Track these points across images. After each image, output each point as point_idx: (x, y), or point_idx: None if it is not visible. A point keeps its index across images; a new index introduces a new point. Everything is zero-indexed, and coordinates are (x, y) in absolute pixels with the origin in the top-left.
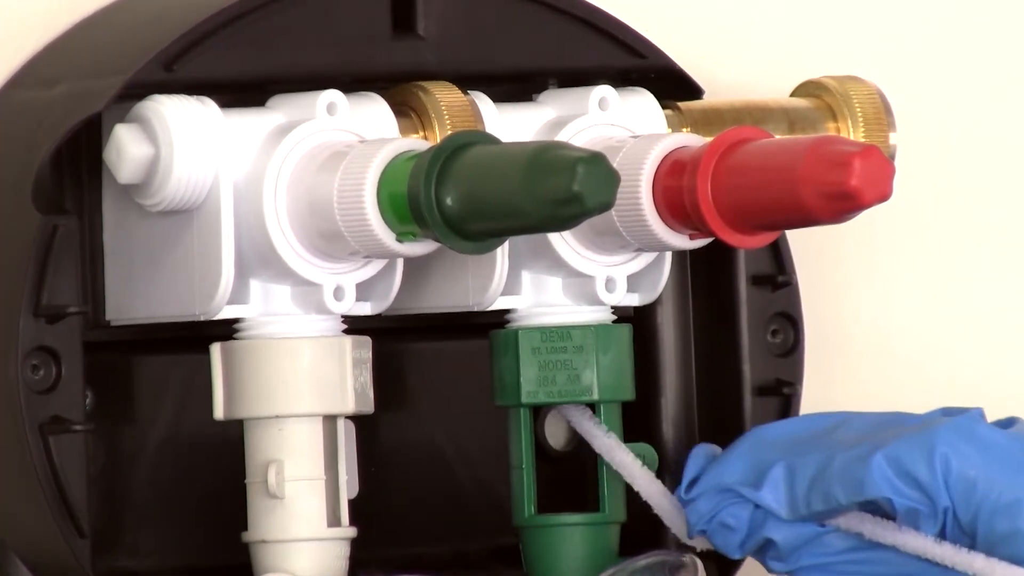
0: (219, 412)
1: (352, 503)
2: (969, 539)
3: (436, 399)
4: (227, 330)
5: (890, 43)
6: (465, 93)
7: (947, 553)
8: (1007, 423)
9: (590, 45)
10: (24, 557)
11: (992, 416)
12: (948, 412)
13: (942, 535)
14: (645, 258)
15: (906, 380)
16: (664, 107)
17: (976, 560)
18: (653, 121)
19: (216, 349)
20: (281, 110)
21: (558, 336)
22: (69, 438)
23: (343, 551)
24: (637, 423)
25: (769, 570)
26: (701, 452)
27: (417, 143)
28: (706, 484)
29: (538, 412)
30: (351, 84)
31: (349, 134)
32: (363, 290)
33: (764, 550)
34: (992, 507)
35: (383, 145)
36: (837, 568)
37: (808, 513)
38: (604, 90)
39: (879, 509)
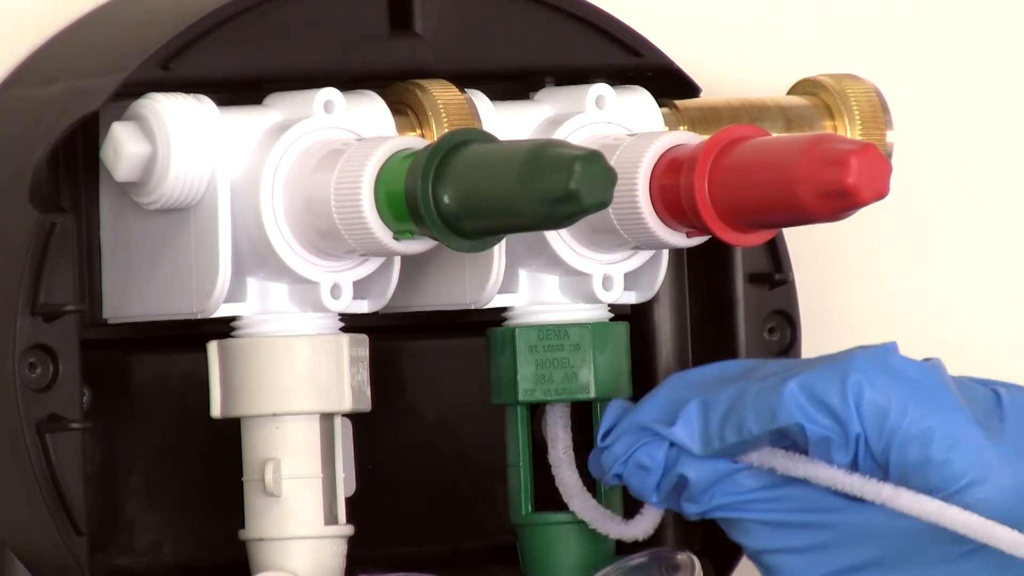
0: (216, 410)
1: (349, 501)
2: (881, 469)
3: (433, 397)
4: (224, 328)
5: (887, 41)
6: (462, 91)
7: (856, 483)
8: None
9: (587, 43)
10: (21, 555)
11: None
12: (864, 348)
13: (854, 465)
14: (642, 256)
15: None
16: (661, 105)
17: (884, 490)
18: (650, 119)
19: (213, 347)
20: (278, 108)
21: (555, 334)
22: (66, 436)
23: (340, 549)
24: None
25: (684, 515)
26: (617, 404)
27: (414, 141)
28: (622, 427)
29: (535, 410)
30: (348, 82)
31: (346, 132)
32: (360, 288)
33: (678, 492)
34: (904, 436)
35: (380, 143)
36: (749, 507)
37: (721, 447)
38: (601, 88)
39: (793, 445)
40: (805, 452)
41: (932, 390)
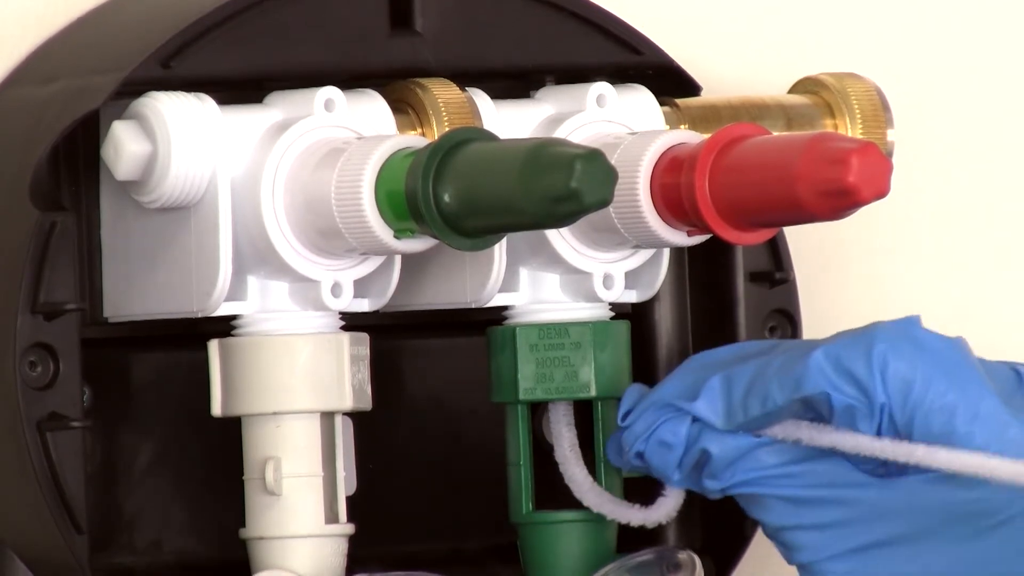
0: (217, 409)
1: (350, 500)
2: (904, 440)
3: (434, 396)
4: (225, 327)
5: (888, 40)
6: (463, 90)
7: (886, 447)
8: None
9: (588, 42)
10: (22, 554)
11: None
12: (888, 321)
13: (878, 436)
14: (643, 255)
15: None
16: (662, 104)
17: (917, 449)
18: (651, 118)
19: (214, 346)
20: (279, 107)
21: (556, 333)
22: (67, 435)
23: (341, 548)
24: None
25: (705, 492)
26: (636, 388)
27: (415, 140)
28: (643, 406)
29: (536, 408)
30: (349, 81)
31: (347, 131)
32: (361, 287)
33: (700, 469)
34: (928, 407)
35: (381, 142)
36: (770, 483)
37: (745, 420)
38: (602, 87)
39: (816, 418)
40: (828, 424)
41: (956, 363)
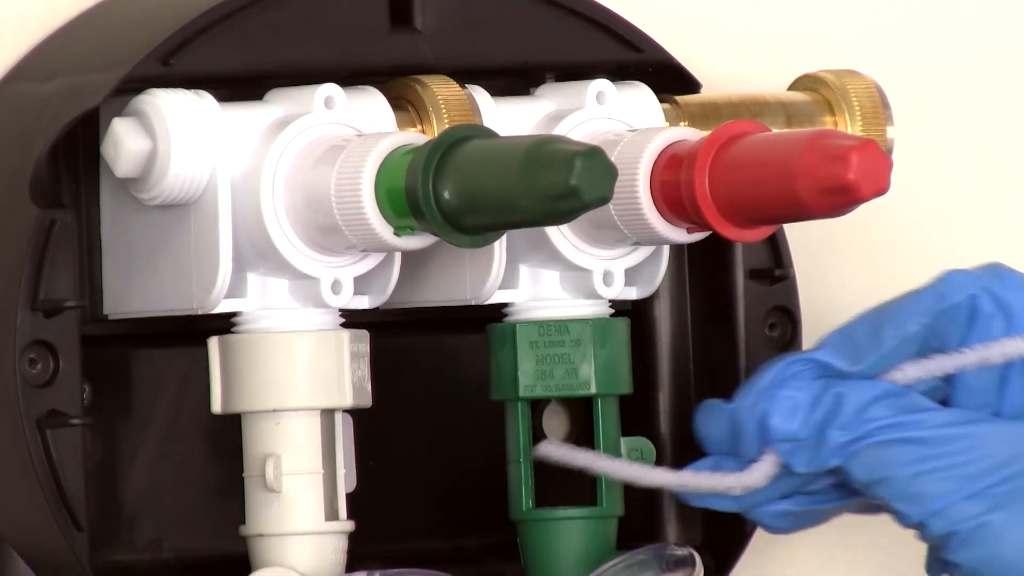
0: (217, 406)
1: (350, 497)
2: None
3: (434, 393)
4: (225, 324)
5: (888, 37)
6: (463, 87)
7: None
8: None
9: (587, 39)
10: (22, 551)
11: None
12: None
13: None
14: (643, 252)
15: None
16: (661, 101)
17: None
18: (650, 115)
19: (214, 343)
20: (279, 104)
21: (555, 330)
22: (67, 432)
23: (341, 545)
24: (634, 417)
25: (825, 454)
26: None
27: (415, 137)
28: (763, 369)
29: (536, 405)
30: (349, 78)
31: (347, 128)
32: (361, 284)
33: (827, 422)
34: None
35: (381, 139)
36: (897, 428)
37: (877, 355)
38: (601, 84)
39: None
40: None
41: None
